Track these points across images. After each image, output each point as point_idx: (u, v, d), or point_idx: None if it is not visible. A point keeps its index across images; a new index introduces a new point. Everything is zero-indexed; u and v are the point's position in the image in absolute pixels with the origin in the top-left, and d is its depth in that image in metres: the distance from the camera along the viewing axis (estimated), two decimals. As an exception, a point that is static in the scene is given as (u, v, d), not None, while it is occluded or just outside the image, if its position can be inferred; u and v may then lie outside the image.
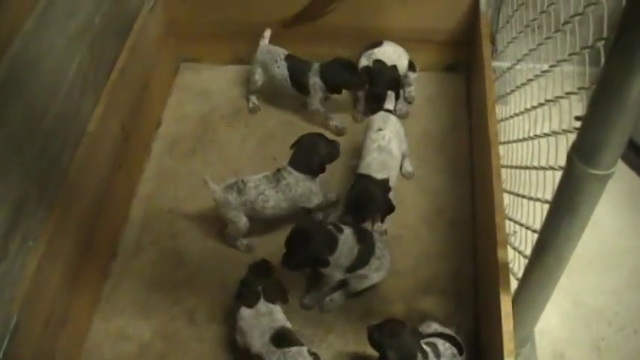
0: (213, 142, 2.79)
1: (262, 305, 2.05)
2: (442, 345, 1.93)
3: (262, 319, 2.03)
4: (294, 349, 1.92)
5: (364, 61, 2.75)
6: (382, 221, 2.39)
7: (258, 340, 1.99)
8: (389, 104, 2.52)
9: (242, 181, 2.28)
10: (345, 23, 2.83)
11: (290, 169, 2.28)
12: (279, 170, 2.30)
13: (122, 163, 2.49)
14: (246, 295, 2.07)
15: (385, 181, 2.31)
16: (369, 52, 2.76)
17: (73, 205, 2.13)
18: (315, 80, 2.65)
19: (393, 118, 2.48)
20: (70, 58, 2.18)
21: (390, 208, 2.33)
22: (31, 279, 1.87)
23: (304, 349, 1.92)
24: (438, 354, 1.90)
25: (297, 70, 2.69)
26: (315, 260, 2.07)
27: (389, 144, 2.36)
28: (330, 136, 2.50)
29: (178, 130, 2.86)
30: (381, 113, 2.49)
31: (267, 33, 2.80)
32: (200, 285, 2.34)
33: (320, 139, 2.32)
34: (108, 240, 2.43)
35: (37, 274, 1.90)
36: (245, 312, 2.05)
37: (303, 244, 2.06)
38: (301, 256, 2.07)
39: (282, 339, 1.97)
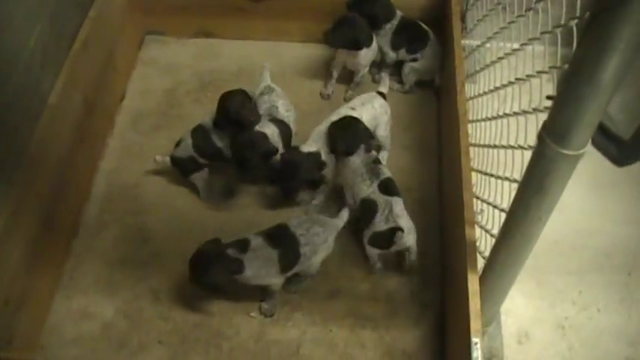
0: (178, 117, 2.73)
1: None
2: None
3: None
4: None
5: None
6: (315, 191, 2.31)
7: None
8: (383, 87, 2.50)
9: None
10: (317, -3, 2.78)
11: None
12: None
13: (84, 137, 2.42)
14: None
15: (314, 154, 2.24)
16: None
17: (34, 180, 2.07)
18: None
19: (378, 101, 2.42)
20: (30, 30, 2.11)
21: (316, 180, 2.25)
22: (-11, 256, 1.82)
23: None
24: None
25: None
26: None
27: None
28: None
29: (143, 104, 2.79)
30: (370, 93, 2.45)
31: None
32: (165, 263, 2.30)
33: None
34: (70, 216, 2.36)
35: (-4, 251, 1.86)
36: None
37: (203, 270, 2.00)
38: (206, 281, 2.01)
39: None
